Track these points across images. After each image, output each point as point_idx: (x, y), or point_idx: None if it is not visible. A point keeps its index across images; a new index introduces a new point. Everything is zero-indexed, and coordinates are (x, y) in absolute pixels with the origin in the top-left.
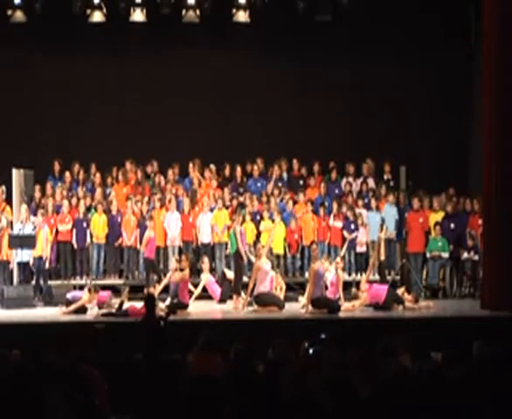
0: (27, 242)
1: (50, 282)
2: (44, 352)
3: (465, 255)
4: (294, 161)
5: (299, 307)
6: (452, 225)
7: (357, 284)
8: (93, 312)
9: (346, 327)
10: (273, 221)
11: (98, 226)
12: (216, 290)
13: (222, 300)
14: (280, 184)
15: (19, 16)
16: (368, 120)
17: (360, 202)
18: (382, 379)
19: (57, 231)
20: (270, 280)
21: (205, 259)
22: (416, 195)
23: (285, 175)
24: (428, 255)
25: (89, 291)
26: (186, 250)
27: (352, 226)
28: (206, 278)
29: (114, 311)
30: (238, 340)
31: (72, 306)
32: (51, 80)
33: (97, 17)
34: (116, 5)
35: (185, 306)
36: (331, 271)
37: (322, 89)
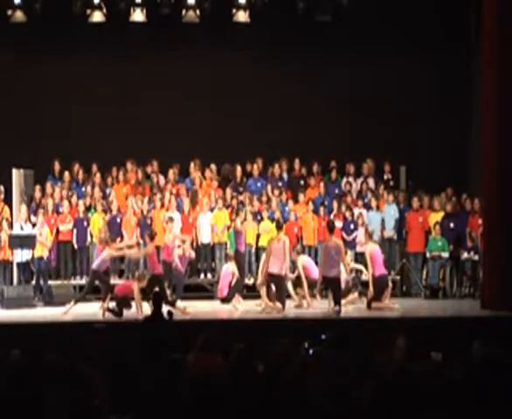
0: (27, 242)
1: (50, 282)
2: (44, 352)
3: (465, 255)
4: (295, 161)
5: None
6: (451, 225)
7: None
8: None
9: (346, 327)
10: (272, 221)
11: (98, 226)
12: (225, 286)
13: (225, 300)
14: (280, 184)
15: (19, 16)
16: (368, 120)
17: (360, 202)
18: (381, 379)
19: (57, 231)
20: None
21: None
22: (416, 194)
23: (285, 175)
24: (428, 255)
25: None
26: None
27: (351, 226)
28: (231, 268)
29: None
30: (238, 340)
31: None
32: (51, 80)
33: (97, 17)
34: (116, 5)
35: (159, 276)
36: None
37: (322, 89)
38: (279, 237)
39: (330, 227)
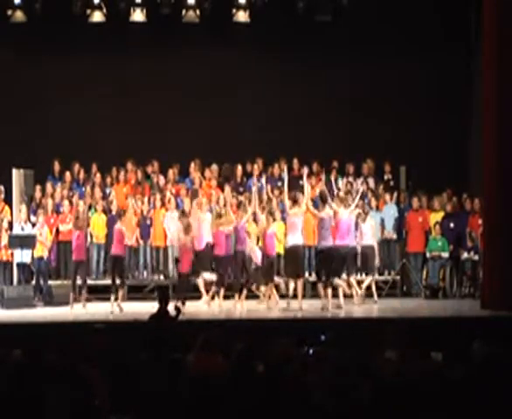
0: (27, 242)
1: (50, 282)
2: (44, 352)
3: (465, 255)
4: (294, 161)
5: None
6: (451, 225)
7: None
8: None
9: (346, 328)
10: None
11: (98, 226)
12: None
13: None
14: (279, 184)
15: (19, 16)
16: (368, 120)
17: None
18: (381, 379)
19: (57, 231)
20: None
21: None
22: (415, 194)
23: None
24: (428, 255)
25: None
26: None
27: None
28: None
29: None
30: (238, 340)
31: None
32: (51, 80)
33: (97, 17)
34: (116, 5)
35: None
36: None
37: (322, 89)
38: (294, 212)
39: (322, 198)
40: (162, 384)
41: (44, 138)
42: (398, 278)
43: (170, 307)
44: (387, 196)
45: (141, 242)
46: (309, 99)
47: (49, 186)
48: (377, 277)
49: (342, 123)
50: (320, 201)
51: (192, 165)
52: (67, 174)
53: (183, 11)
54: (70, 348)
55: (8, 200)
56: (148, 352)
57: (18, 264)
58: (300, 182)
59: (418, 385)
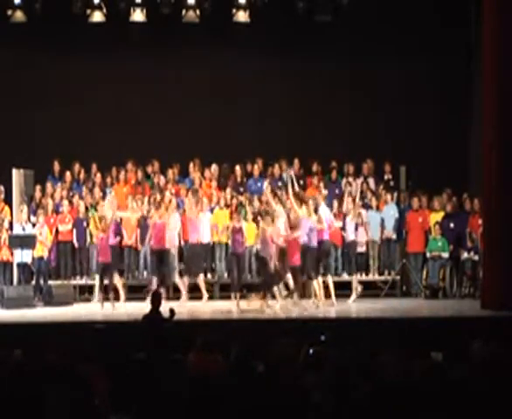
0: (27, 242)
1: (50, 282)
2: (44, 352)
3: (465, 255)
4: (295, 161)
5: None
6: (451, 225)
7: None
8: None
9: (346, 327)
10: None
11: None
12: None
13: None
14: (280, 184)
15: (19, 16)
16: (368, 120)
17: (360, 202)
18: (381, 379)
19: (57, 231)
20: None
21: None
22: (415, 194)
23: (284, 175)
24: (428, 255)
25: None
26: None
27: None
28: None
29: None
30: (238, 340)
31: None
32: (51, 80)
33: (97, 17)
34: (116, 5)
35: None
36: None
37: (322, 89)
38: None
39: (300, 197)
40: (162, 384)
41: (44, 138)
42: (398, 278)
43: (166, 309)
44: (387, 196)
45: (139, 246)
46: (309, 99)
47: (49, 186)
48: (376, 277)
49: (342, 123)
50: (297, 201)
51: (191, 165)
52: (67, 174)
53: (183, 11)
54: (70, 348)
55: (8, 200)
56: (143, 351)
57: (18, 264)
58: (301, 182)
59: (418, 385)
